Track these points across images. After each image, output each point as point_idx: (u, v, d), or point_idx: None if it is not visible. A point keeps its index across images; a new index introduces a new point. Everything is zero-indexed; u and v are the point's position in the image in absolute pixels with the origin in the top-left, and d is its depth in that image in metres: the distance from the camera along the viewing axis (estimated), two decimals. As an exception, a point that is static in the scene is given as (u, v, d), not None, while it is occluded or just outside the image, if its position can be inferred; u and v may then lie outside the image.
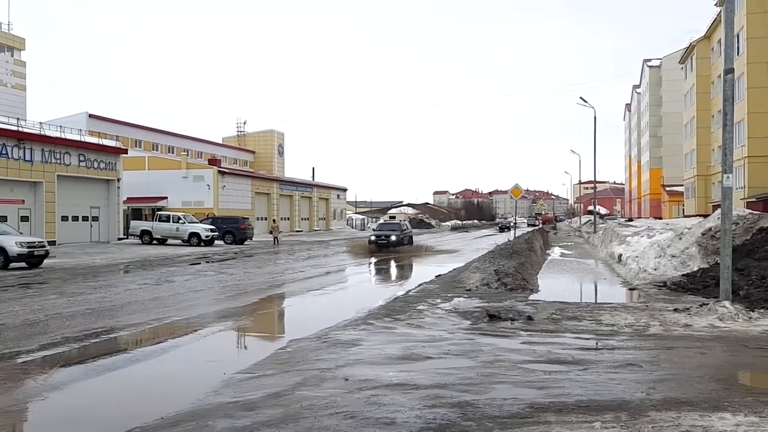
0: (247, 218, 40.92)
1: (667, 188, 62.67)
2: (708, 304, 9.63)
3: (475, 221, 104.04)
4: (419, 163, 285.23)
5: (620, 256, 19.33)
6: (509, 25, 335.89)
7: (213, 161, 51.69)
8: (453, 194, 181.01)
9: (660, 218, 56.36)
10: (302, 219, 61.66)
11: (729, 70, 9.97)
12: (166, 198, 45.41)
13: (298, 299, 13.87)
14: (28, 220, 29.88)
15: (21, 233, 22.94)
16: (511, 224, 52.63)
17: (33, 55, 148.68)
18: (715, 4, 40.24)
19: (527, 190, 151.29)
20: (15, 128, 29.99)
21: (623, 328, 8.64)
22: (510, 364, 6.54)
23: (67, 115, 49.04)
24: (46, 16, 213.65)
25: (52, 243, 26.39)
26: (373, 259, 25.11)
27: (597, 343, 7.67)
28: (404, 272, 20.78)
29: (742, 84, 34.25)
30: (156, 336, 9.11)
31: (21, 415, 5.48)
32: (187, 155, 53.00)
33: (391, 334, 8.43)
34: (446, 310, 10.52)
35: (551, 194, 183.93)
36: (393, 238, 29.58)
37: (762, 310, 9.26)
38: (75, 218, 33.47)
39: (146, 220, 37.97)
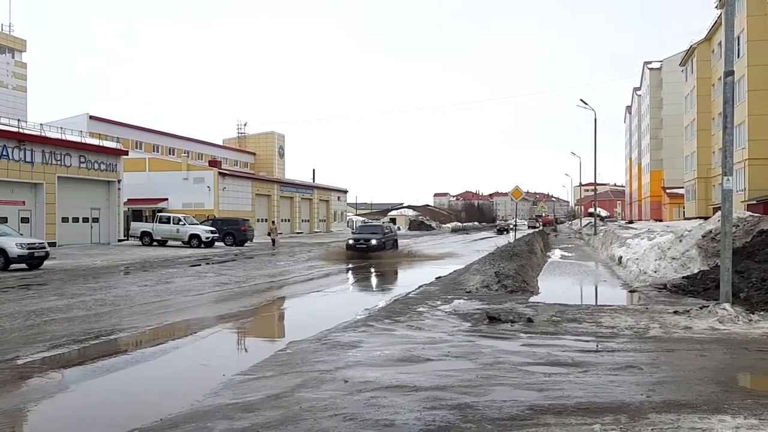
0: (248, 220, 40.89)
1: (668, 190, 62.60)
2: (708, 306, 9.63)
3: (476, 223, 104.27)
4: (420, 165, 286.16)
5: (620, 258, 19.34)
6: (510, 28, 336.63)
7: (213, 163, 51.75)
8: (454, 196, 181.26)
9: (660, 220, 56.27)
10: (303, 221, 61.62)
11: (729, 73, 9.97)
12: (167, 199, 45.43)
13: (298, 300, 13.87)
14: (28, 222, 29.91)
15: (21, 234, 22.94)
16: (510, 226, 52.54)
17: (34, 57, 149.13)
18: (716, 7, 40.25)
19: (528, 192, 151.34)
20: (16, 129, 30.09)
21: (623, 330, 8.63)
22: (510, 366, 6.53)
23: (68, 116, 49.13)
24: (47, 17, 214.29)
25: (52, 244, 26.42)
26: (351, 265, 22.65)
27: (597, 346, 7.66)
28: (388, 279, 19.57)
29: (742, 86, 34.26)
30: (156, 337, 9.12)
31: (21, 417, 5.48)
32: (188, 157, 53.03)
33: (391, 336, 8.42)
34: (446, 312, 10.52)
35: (552, 196, 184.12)
36: (373, 242, 26.01)
37: (762, 313, 9.26)
38: (75, 220, 33.49)
39: (147, 221, 37.98)
